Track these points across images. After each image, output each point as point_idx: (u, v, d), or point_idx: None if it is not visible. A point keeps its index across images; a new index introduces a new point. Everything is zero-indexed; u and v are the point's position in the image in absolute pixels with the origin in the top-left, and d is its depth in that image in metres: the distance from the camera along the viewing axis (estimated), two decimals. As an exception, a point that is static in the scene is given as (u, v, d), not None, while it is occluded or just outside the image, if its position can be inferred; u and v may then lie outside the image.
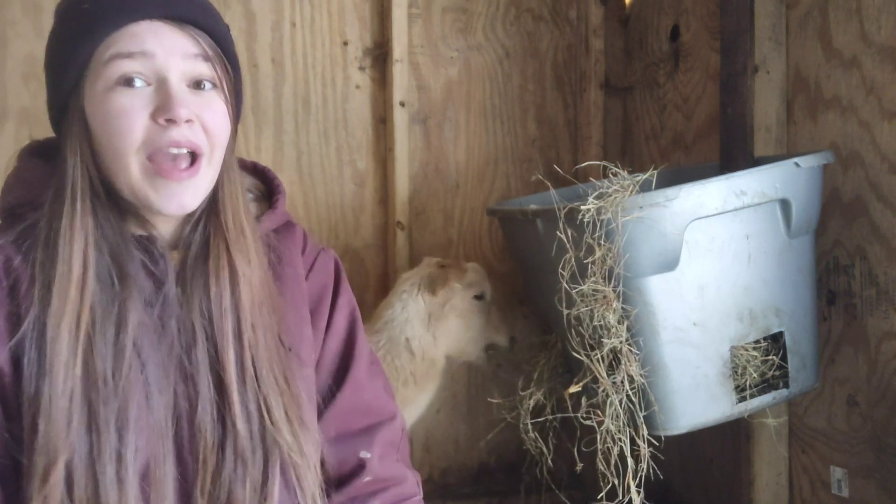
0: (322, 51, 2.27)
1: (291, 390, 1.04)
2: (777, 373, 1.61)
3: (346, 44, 2.29)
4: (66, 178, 0.96)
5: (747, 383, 1.58)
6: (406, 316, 1.87)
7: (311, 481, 1.04)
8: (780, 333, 1.60)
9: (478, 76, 2.40)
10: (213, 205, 1.04)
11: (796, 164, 1.52)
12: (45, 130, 1.05)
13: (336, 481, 1.14)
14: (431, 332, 1.87)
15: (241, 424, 0.98)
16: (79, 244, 0.94)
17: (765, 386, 1.61)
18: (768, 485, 1.84)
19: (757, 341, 1.58)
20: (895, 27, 1.53)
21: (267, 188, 1.18)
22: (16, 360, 0.92)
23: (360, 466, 1.15)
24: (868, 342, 1.60)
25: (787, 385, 1.61)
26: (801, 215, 1.55)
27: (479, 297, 1.94)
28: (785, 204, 1.53)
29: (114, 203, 0.99)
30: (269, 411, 1.00)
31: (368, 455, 1.15)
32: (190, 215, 1.04)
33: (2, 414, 0.92)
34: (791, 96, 1.81)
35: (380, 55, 2.30)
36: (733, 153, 1.82)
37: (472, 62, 2.39)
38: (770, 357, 1.59)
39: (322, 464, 1.11)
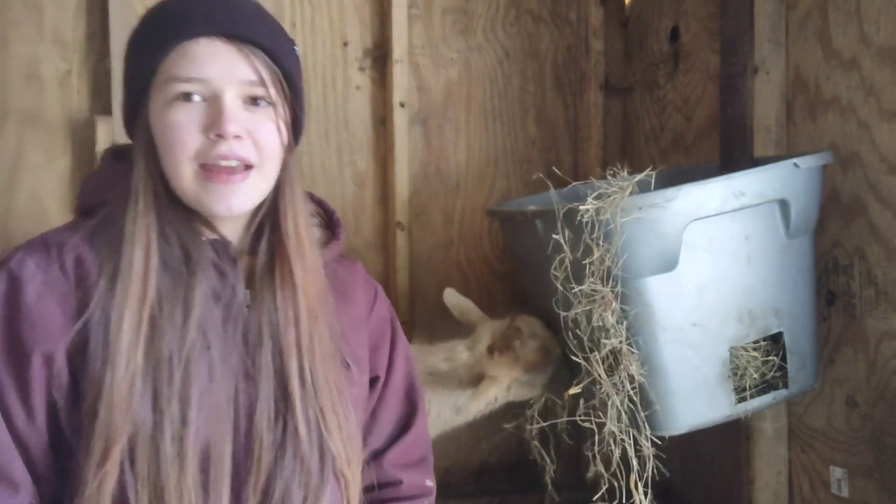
0: (322, 51, 2.27)
1: (343, 404, 1.08)
2: (777, 373, 1.61)
3: (346, 44, 2.29)
4: (135, 180, 1.01)
5: (747, 383, 1.58)
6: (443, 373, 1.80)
7: (356, 495, 1.10)
8: (780, 334, 1.60)
9: (478, 77, 2.40)
10: (274, 216, 1.08)
11: (795, 165, 1.52)
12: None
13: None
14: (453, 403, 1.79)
15: (302, 429, 1.02)
16: (141, 241, 0.98)
17: (764, 386, 1.61)
18: (768, 485, 1.84)
19: (756, 342, 1.59)
20: (895, 28, 1.53)
21: (328, 218, 1.25)
22: (82, 347, 0.96)
23: (427, 493, 1.26)
24: (867, 342, 1.60)
25: (786, 385, 1.61)
26: (800, 216, 1.55)
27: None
28: (784, 204, 1.53)
29: (181, 206, 1.04)
30: (325, 421, 1.05)
31: (431, 484, 1.28)
32: (250, 222, 1.09)
33: (67, 398, 0.96)
34: (791, 97, 1.81)
35: (380, 56, 2.30)
36: (733, 154, 1.82)
37: (473, 63, 2.39)
38: (770, 357, 1.59)
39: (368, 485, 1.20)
